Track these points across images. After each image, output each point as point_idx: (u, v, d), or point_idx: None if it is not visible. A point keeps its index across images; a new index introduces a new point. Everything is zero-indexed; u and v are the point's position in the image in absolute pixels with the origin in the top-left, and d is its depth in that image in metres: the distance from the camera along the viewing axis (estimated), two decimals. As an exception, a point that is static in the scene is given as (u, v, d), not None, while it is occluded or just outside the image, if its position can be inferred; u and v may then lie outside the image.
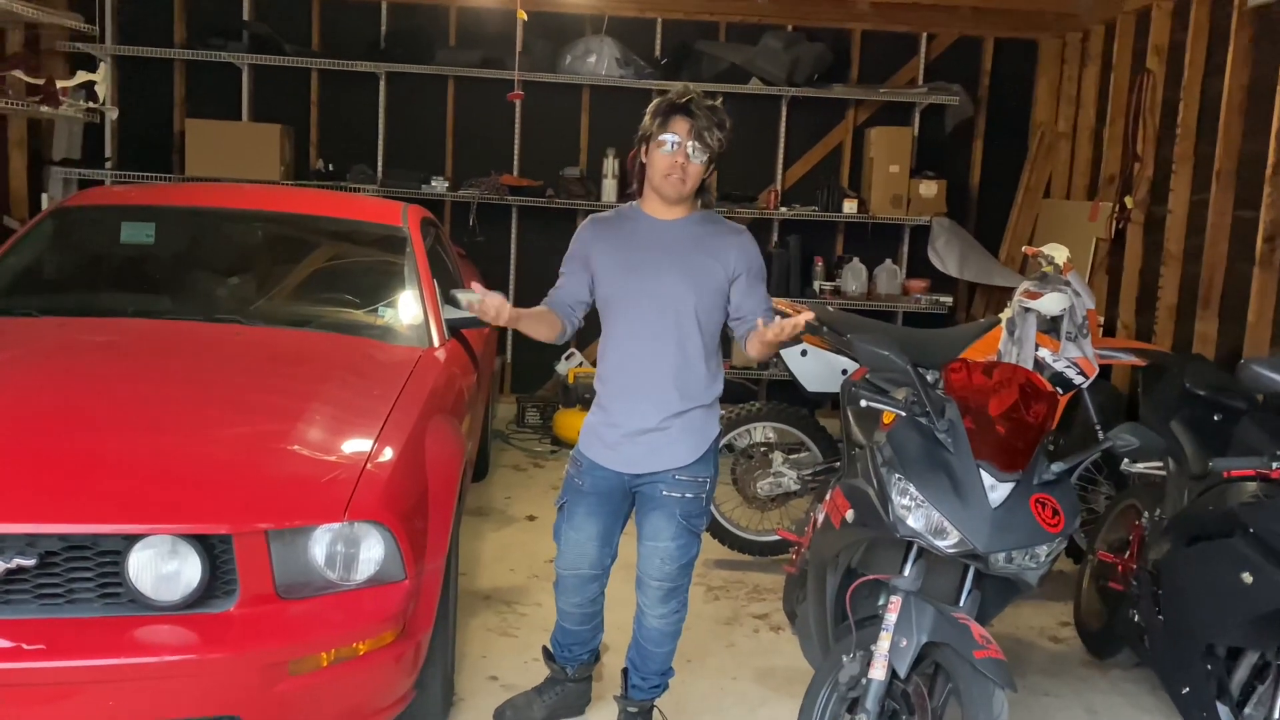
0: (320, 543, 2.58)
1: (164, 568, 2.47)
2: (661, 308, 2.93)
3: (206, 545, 2.50)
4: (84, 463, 2.64)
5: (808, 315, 2.78)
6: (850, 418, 3.80)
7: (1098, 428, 4.49)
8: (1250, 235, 4.67)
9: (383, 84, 6.97)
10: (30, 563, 2.42)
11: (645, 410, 2.98)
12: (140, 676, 2.42)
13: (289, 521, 2.55)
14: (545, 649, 3.37)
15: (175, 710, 2.46)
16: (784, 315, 4.53)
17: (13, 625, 2.40)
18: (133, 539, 2.47)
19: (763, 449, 4.74)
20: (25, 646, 2.37)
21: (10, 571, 2.41)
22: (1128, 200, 5.82)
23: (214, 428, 2.91)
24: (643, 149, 2.97)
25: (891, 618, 2.68)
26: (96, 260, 4.33)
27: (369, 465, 2.77)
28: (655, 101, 2.95)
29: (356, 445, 2.88)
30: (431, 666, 2.94)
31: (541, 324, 3.03)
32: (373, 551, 2.62)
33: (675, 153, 2.88)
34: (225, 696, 2.46)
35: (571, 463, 3.15)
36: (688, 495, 3.01)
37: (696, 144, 2.87)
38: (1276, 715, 2.90)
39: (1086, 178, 6.54)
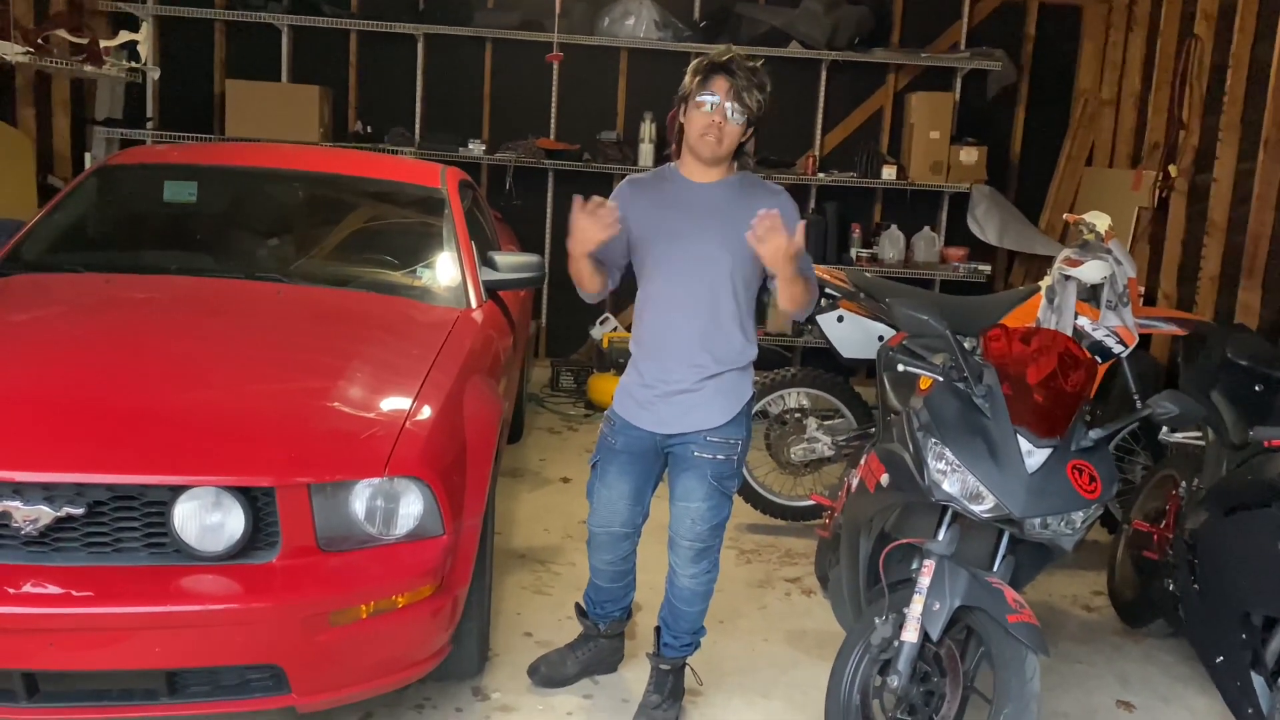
0: (360, 497, 2.62)
1: (208, 519, 2.52)
2: (698, 271, 2.93)
3: (250, 497, 2.55)
4: (131, 416, 2.68)
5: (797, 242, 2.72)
6: (886, 383, 3.80)
7: (1136, 397, 4.46)
8: (1297, 204, 4.60)
9: (421, 46, 6.97)
10: (79, 512, 2.48)
11: (679, 372, 2.99)
12: (184, 624, 2.47)
13: (330, 476, 2.59)
14: (578, 606, 3.42)
15: (218, 657, 2.52)
16: (820, 280, 4.57)
17: (62, 572, 2.46)
18: (178, 490, 2.52)
19: (797, 415, 4.75)
20: (74, 593, 2.43)
21: (60, 520, 2.47)
22: (1172, 169, 5.74)
23: (257, 383, 2.95)
24: (682, 109, 2.95)
25: (925, 581, 2.70)
26: (139, 218, 4.38)
27: (408, 423, 2.81)
28: (695, 61, 2.93)
29: (396, 403, 2.91)
30: (468, 621, 2.98)
31: (597, 274, 3.03)
32: (412, 507, 2.66)
33: (713, 112, 2.86)
34: (267, 645, 2.51)
35: (605, 422, 3.17)
36: (719, 457, 3.02)
37: (735, 104, 2.85)
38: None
39: (1130, 146, 6.45)
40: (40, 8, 6.10)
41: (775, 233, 2.69)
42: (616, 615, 3.37)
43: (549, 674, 3.32)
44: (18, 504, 2.46)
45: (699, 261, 2.93)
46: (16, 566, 2.46)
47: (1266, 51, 4.92)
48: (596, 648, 3.37)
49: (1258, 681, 2.95)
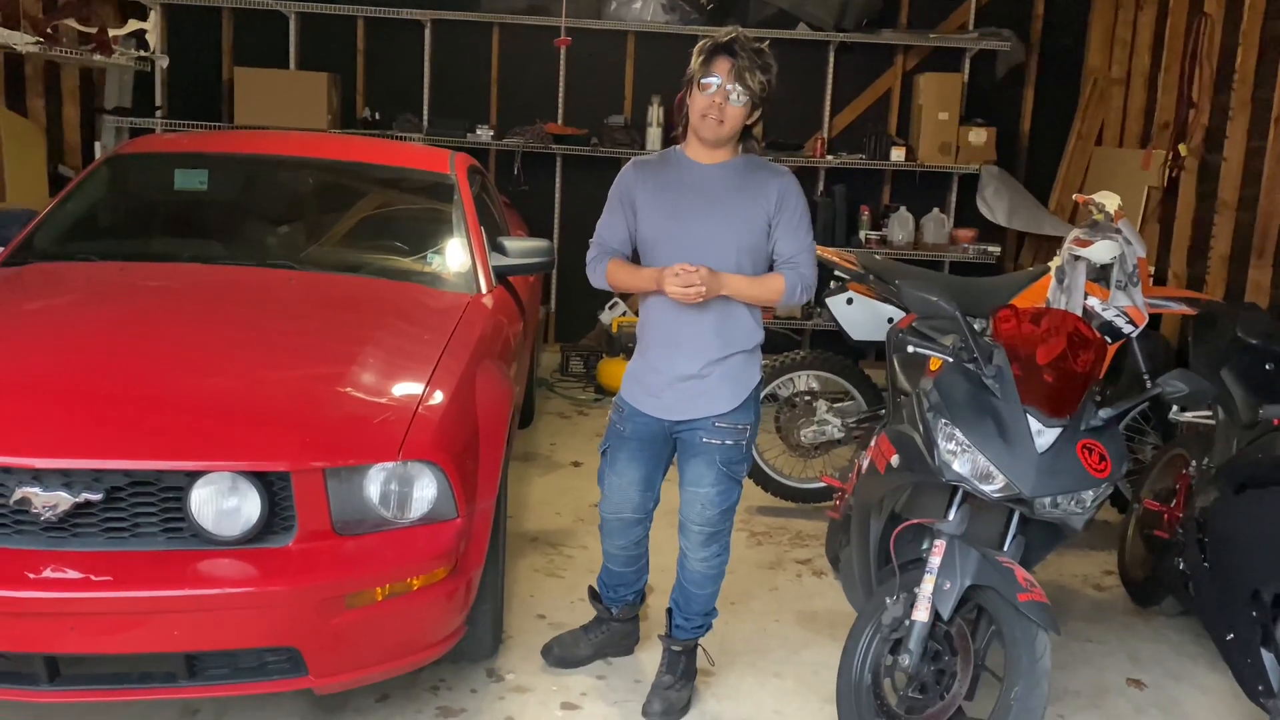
0: (375, 481, 2.64)
1: (225, 503, 2.54)
2: (703, 253, 2.91)
3: (265, 482, 2.57)
4: (147, 402, 2.70)
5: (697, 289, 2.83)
6: (896, 365, 3.80)
7: (1145, 377, 4.46)
8: (1308, 183, 4.59)
9: (428, 32, 6.97)
10: (97, 497, 2.50)
11: (686, 357, 2.99)
12: (202, 608, 2.49)
13: (345, 460, 2.61)
14: (591, 589, 3.44)
15: (236, 640, 2.54)
16: (829, 263, 4.59)
17: (81, 557, 2.49)
18: (195, 475, 2.54)
19: (806, 397, 4.75)
20: (93, 578, 2.45)
21: (78, 505, 2.50)
22: (1181, 148, 5.73)
23: (271, 369, 2.97)
24: (688, 91, 2.94)
25: (935, 561, 2.71)
26: (151, 206, 4.40)
27: (421, 407, 2.82)
28: (700, 42, 2.93)
29: (409, 388, 2.93)
30: (482, 604, 3.01)
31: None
32: (426, 490, 2.68)
33: (715, 93, 2.86)
34: (284, 628, 2.54)
35: (614, 409, 3.17)
36: (728, 442, 3.02)
37: (737, 85, 2.84)
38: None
39: (1140, 125, 6.42)
40: (49, -3, 6.12)
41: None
42: (629, 599, 3.39)
43: (562, 655, 3.34)
44: (37, 490, 2.48)
45: (704, 244, 2.92)
46: (36, 552, 2.48)
47: (1276, 30, 4.90)
48: (609, 631, 3.39)
49: (1268, 659, 2.96)
